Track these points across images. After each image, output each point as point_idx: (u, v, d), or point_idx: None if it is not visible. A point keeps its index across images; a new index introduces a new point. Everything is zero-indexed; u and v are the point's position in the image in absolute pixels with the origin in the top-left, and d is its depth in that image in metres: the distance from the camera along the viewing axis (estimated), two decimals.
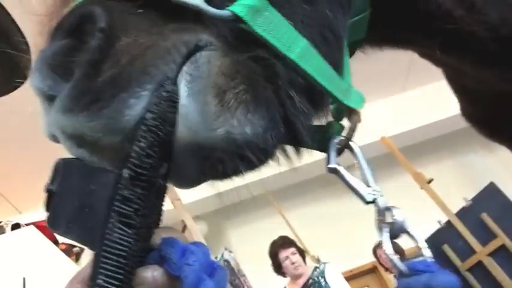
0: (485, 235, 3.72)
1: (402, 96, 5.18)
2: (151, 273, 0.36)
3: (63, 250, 3.34)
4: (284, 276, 3.49)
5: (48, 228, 0.40)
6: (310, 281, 3.28)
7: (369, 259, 4.59)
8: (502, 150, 1.09)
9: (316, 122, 0.53)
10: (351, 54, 0.62)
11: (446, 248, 3.93)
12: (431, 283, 0.48)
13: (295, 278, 3.39)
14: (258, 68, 0.41)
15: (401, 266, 0.50)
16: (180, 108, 0.37)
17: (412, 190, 3.92)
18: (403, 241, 0.52)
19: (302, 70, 0.43)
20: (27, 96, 0.43)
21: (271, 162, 0.45)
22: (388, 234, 0.51)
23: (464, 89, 0.98)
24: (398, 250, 3.12)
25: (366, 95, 0.55)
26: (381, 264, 4.23)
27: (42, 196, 0.42)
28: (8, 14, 1.10)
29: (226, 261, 4.25)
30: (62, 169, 0.41)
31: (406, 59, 3.81)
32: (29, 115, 0.47)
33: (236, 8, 0.39)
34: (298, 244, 3.72)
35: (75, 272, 0.38)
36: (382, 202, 0.51)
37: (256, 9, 0.40)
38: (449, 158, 5.51)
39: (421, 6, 0.67)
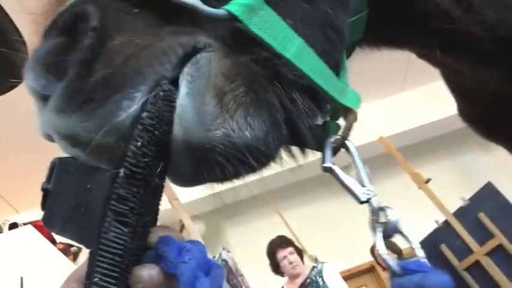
0: (482, 235, 3.73)
1: (400, 96, 5.18)
2: (148, 271, 0.36)
3: (60, 249, 3.34)
4: (282, 275, 3.50)
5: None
6: (308, 280, 3.28)
7: (366, 259, 4.60)
8: (499, 150, 1.09)
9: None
10: (349, 54, 0.62)
11: (443, 247, 3.94)
12: (423, 283, 0.47)
13: (293, 277, 3.39)
14: (260, 70, 0.41)
15: (393, 265, 0.50)
16: (178, 107, 0.37)
17: (409, 190, 3.94)
18: (402, 241, 0.52)
19: (298, 69, 0.43)
20: (23, 96, 0.43)
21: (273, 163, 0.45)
22: (382, 234, 0.51)
23: (461, 89, 0.98)
24: (396, 250, 3.12)
25: (364, 95, 0.55)
26: (378, 263, 4.23)
27: (40, 196, 0.42)
28: (6, 14, 1.10)
29: (224, 260, 4.25)
30: (58, 168, 0.41)
31: (404, 59, 3.82)
32: (25, 114, 0.46)
33: (232, 7, 0.39)
34: (296, 244, 3.72)
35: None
36: (376, 202, 0.51)
37: (252, 8, 0.40)
38: (447, 158, 5.52)
39: (419, 6, 0.67)
